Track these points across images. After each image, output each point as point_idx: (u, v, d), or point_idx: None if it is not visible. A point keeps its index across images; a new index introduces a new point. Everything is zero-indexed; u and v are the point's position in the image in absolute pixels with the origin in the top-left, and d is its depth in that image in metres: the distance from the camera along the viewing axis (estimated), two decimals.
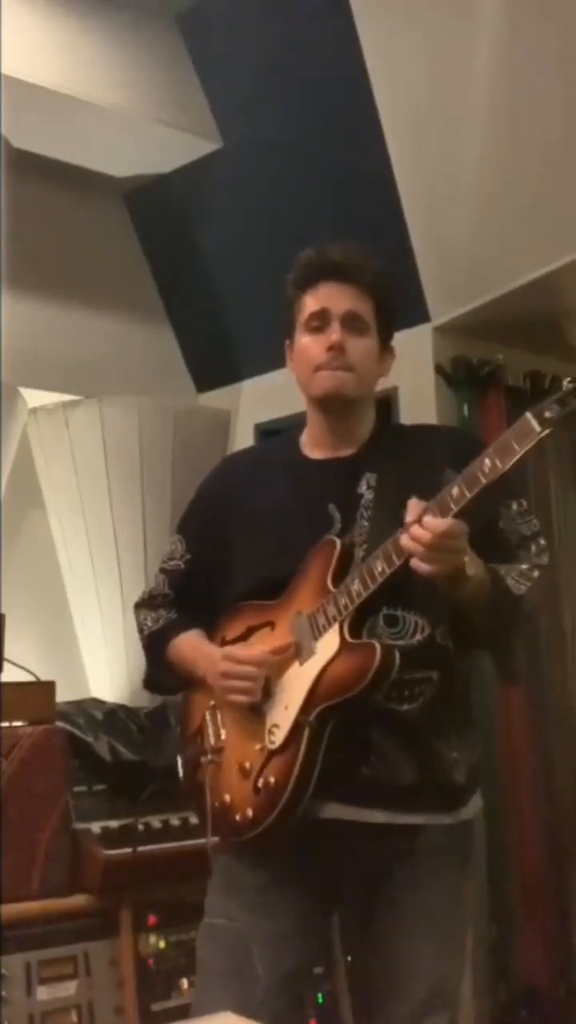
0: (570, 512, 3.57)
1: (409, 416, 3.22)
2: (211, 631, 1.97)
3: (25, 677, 2.73)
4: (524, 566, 1.81)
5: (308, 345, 1.89)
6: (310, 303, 1.89)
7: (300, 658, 1.79)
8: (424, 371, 3.35)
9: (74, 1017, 2.45)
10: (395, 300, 1.97)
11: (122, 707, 3.06)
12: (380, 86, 3.10)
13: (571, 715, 3.48)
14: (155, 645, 2.03)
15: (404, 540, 1.64)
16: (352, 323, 1.87)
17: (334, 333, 1.85)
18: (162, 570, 2.07)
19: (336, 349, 1.85)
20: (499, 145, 2.95)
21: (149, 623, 2.05)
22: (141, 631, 2.07)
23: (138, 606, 2.10)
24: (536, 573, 1.81)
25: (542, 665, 3.39)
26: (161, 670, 2.04)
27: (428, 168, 3.15)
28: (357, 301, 1.87)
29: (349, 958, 2.73)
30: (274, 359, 3.41)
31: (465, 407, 3.39)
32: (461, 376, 3.39)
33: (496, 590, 1.75)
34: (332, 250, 1.89)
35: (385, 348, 1.94)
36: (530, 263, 3.09)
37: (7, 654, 2.65)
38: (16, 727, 2.62)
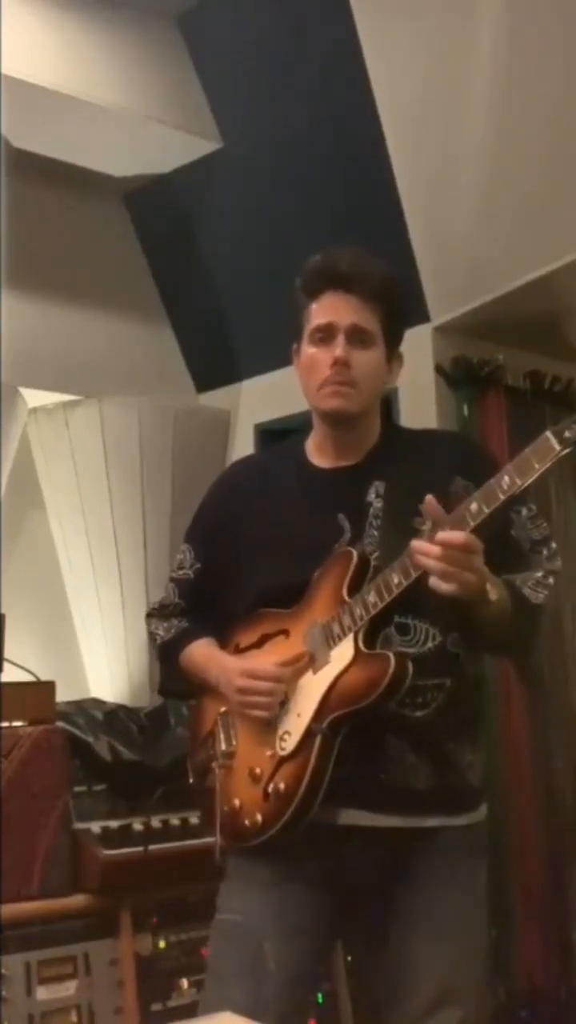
0: (570, 514, 3.57)
1: (409, 416, 3.22)
2: (223, 638, 1.97)
3: (25, 677, 2.73)
4: (539, 574, 1.82)
5: (313, 357, 1.88)
6: (316, 314, 1.88)
7: (314, 667, 1.79)
8: (424, 371, 3.35)
9: (74, 1017, 2.44)
10: (403, 307, 1.96)
11: (122, 707, 3.06)
12: (380, 86, 3.10)
13: (571, 716, 3.48)
14: (168, 654, 2.04)
15: (419, 557, 1.64)
16: (357, 336, 1.85)
17: (338, 348, 1.84)
18: (172, 579, 2.08)
19: (340, 364, 1.84)
20: (499, 145, 2.95)
21: (161, 632, 2.05)
22: (153, 640, 2.08)
23: (149, 616, 2.10)
24: (552, 580, 1.82)
25: (543, 666, 3.39)
26: (174, 678, 2.05)
27: (428, 168, 3.15)
28: (362, 313, 1.85)
29: (349, 958, 2.73)
30: (274, 359, 3.43)
31: (465, 407, 3.39)
32: (461, 376, 3.39)
33: (516, 603, 1.76)
34: (339, 258, 1.87)
35: (392, 355, 1.92)
36: (530, 263, 3.09)
37: (7, 654, 2.65)
38: (16, 727, 2.61)
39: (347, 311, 1.85)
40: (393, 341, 1.92)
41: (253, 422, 3.90)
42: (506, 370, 3.45)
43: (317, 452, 1.96)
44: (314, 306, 1.88)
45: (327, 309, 1.86)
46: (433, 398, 3.34)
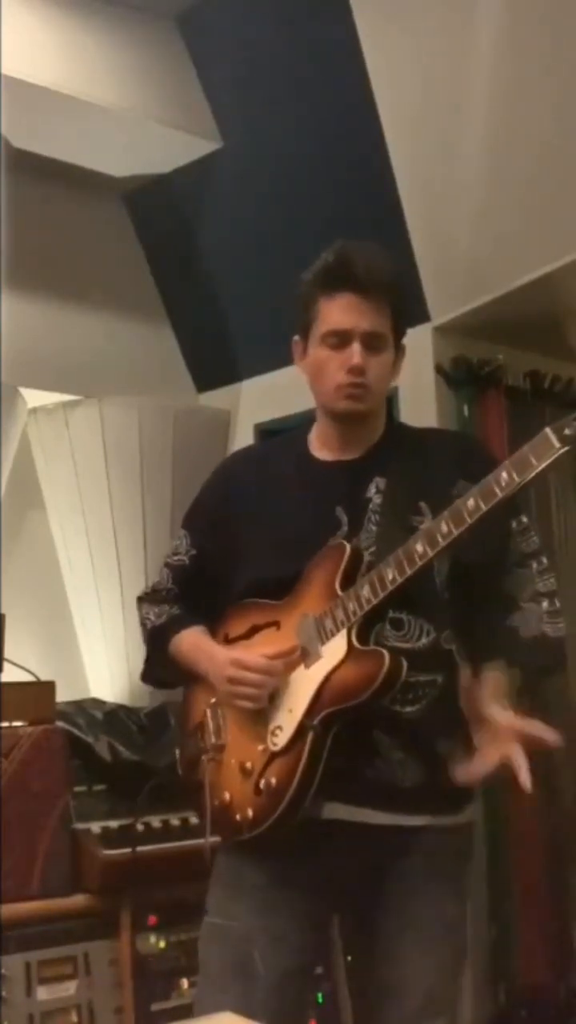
0: (571, 517, 3.57)
1: (409, 416, 3.21)
2: (214, 627, 1.96)
3: (25, 677, 2.73)
4: (545, 605, 1.82)
5: (326, 361, 1.86)
6: (329, 316, 1.84)
7: (306, 661, 1.79)
8: (424, 371, 3.35)
9: (74, 1017, 2.45)
10: (409, 306, 1.95)
11: (122, 707, 3.06)
12: (380, 86, 3.10)
13: (571, 716, 3.47)
14: (157, 640, 2.02)
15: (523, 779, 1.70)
16: (372, 342, 1.83)
17: (355, 356, 1.82)
18: (166, 564, 2.06)
19: (356, 372, 1.83)
20: (499, 145, 2.95)
21: (152, 617, 2.04)
22: (143, 625, 2.06)
23: (140, 600, 2.09)
24: (558, 604, 1.83)
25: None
26: (161, 665, 2.03)
27: (428, 168, 3.15)
28: (377, 318, 1.83)
29: (349, 958, 2.73)
30: (274, 359, 3.42)
31: (465, 407, 3.39)
32: (461, 376, 3.38)
33: (540, 650, 1.81)
34: (355, 259, 1.84)
35: (398, 352, 1.92)
36: (530, 263, 3.09)
37: (7, 654, 2.65)
38: (16, 727, 2.61)
39: (363, 317, 1.82)
40: (399, 338, 1.91)
41: (253, 422, 3.90)
42: (506, 370, 3.45)
43: (320, 445, 1.95)
44: (325, 306, 1.85)
45: (343, 313, 1.83)
46: (433, 398, 3.34)
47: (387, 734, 1.77)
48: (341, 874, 1.82)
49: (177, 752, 2.00)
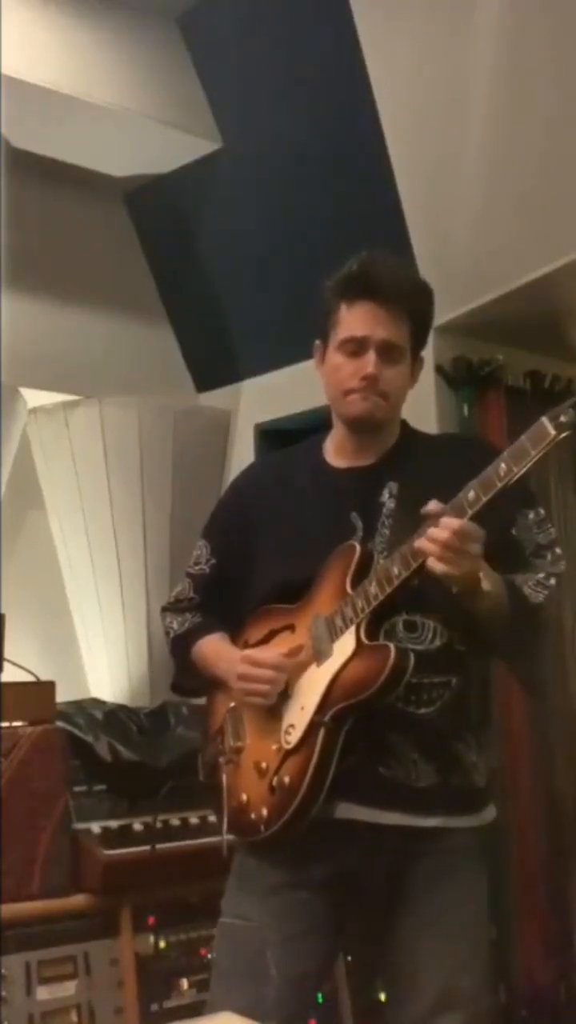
0: (570, 513, 3.57)
1: (409, 416, 3.19)
2: (235, 634, 1.99)
3: (25, 677, 2.73)
4: (540, 575, 1.82)
5: (341, 366, 1.88)
6: (347, 322, 1.87)
7: (318, 660, 1.81)
8: (424, 371, 3.33)
9: (74, 1017, 2.45)
10: (431, 319, 1.96)
11: (122, 707, 3.06)
12: (380, 86, 3.10)
13: (571, 716, 3.48)
14: (180, 648, 2.06)
15: (420, 541, 1.65)
16: (388, 352, 1.86)
17: (369, 365, 1.84)
18: (187, 574, 2.09)
19: (370, 380, 1.85)
20: (499, 145, 2.95)
21: (175, 626, 2.07)
22: (167, 634, 2.10)
23: (164, 610, 2.13)
24: (553, 581, 1.83)
25: (545, 674, 3.38)
26: (186, 673, 2.06)
27: (428, 168, 3.15)
28: (394, 329, 1.86)
29: (349, 958, 2.73)
30: (274, 359, 3.41)
31: (465, 407, 3.38)
32: (461, 376, 3.38)
33: (514, 601, 1.77)
34: (376, 268, 1.87)
35: (416, 362, 1.94)
36: (530, 263, 3.09)
37: (7, 654, 2.66)
38: (16, 727, 2.62)
39: (380, 326, 1.85)
40: (418, 349, 1.93)
41: (253, 422, 3.90)
42: (506, 370, 3.44)
43: (335, 452, 1.98)
44: (345, 312, 1.87)
45: (360, 320, 1.86)
46: (433, 398, 3.34)
47: (401, 734, 1.78)
48: (355, 875, 1.82)
49: (199, 758, 2.02)
